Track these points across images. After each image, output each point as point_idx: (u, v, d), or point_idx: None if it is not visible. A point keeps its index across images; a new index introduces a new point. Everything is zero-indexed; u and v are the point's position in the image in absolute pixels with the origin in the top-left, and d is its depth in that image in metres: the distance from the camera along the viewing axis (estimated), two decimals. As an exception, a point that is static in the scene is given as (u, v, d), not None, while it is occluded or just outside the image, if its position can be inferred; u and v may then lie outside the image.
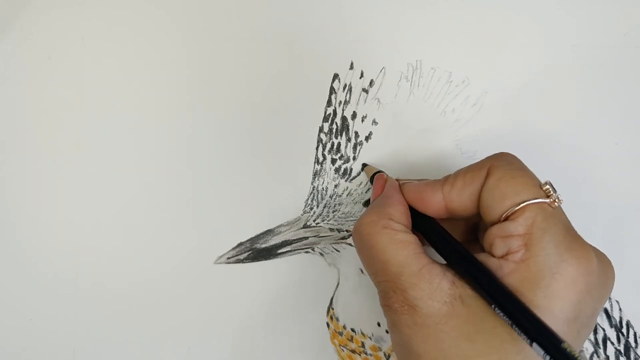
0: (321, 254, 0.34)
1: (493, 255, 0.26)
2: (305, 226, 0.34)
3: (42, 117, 0.34)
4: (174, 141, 0.34)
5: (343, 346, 0.35)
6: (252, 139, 0.34)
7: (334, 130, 0.34)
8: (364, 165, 0.34)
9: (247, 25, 0.34)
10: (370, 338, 0.34)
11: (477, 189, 0.27)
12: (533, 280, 0.24)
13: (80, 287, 0.34)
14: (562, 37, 0.35)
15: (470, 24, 0.34)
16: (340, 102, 0.34)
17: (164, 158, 0.34)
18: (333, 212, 0.34)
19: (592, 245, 0.26)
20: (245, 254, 0.34)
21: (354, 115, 0.34)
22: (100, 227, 0.34)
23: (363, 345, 0.34)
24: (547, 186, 0.26)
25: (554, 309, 0.24)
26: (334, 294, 0.35)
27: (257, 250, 0.34)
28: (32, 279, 0.34)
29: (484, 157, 0.28)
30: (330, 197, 0.34)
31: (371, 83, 0.34)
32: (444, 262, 0.27)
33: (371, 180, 0.32)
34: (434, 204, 0.28)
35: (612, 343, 0.34)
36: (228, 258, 0.34)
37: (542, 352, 0.23)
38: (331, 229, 0.34)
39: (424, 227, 0.28)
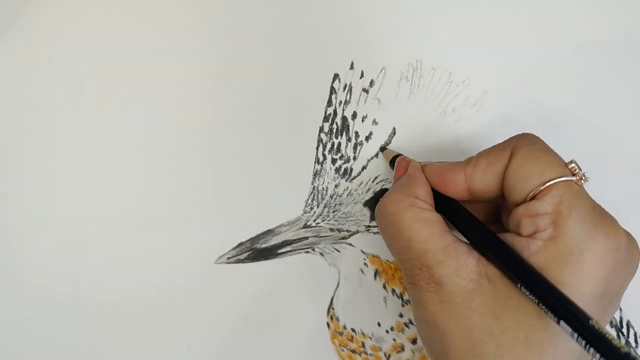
0: (321, 254, 0.34)
1: (519, 235, 0.26)
2: (305, 226, 0.34)
3: (42, 117, 0.34)
4: (174, 141, 0.34)
5: (343, 346, 0.35)
6: (252, 138, 0.34)
7: (334, 130, 0.34)
8: (383, 148, 0.34)
9: (247, 25, 0.34)
10: (371, 338, 0.34)
11: (501, 170, 0.27)
12: (561, 258, 0.25)
13: (80, 287, 0.34)
14: (562, 37, 0.35)
15: (471, 23, 0.34)
16: (341, 102, 0.34)
17: (163, 158, 0.34)
18: (333, 212, 0.34)
19: None
20: (246, 254, 0.34)
21: (354, 115, 0.34)
22: (100, 227, 0.34)
23: (363, 345, 0.34)
24: (573, 164, 0.26)
25: (582, 286, 0.24)
26: (334, 294, 0.35)
27: (257, 250, 0.34)
28: (32, 279, 0.34)
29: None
30: (331, 197, 0.34)
31: (371, 83, 0.34)
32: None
33: (391, 163, 0.32)
34: (456, 186, 0.28)
35: (612, 343, 0.34)
36: (228, 258, 0.34)
37: (569, 329, 0.23)
38: (331, 229, 0.34)
39: (447, 208, 0.28)
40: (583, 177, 0.26)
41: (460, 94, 0.34)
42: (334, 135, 0.34)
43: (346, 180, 0.34)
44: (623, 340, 0.34)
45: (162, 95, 0.34)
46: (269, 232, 0.34)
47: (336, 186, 0.34)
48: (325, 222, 0.34)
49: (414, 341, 0.34)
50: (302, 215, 0.34)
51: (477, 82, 0.34)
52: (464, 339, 0.25)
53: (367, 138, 0.34)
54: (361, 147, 0.34)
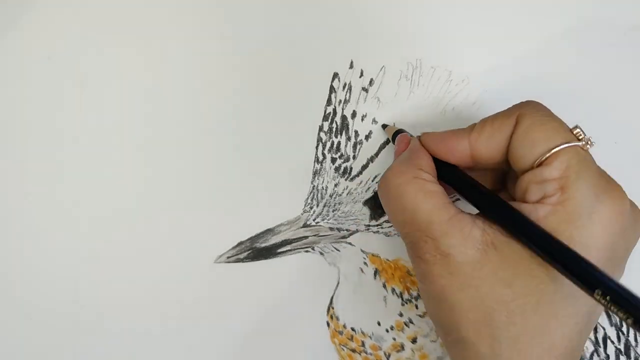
0: (321, 253, 0.34)
1: (526, 202, 0.26)
2: (305, 225, 0.34)
3: (42, 117, 0.34)
4: (174, 140, 0.34)
5: (343, 345, 0.35)
6: (252, 137, 0.34)
7: (334, 129, 0.34)
8: (384, 126, 0.33)
9: (247, 24, 0.34)
10: (371, 337, 0.34)
11: (505, 137, 0.27)
12: (570, 221, 0.25)
13: (80, 287, 0.34)
14: (562, 37, 0.35)
15: (470, 22, 0.34)
16: (340, 101, 0.34)
17: (163, 157, 0.34)
18: (333, 211, 0.34)
19: None
20: (245, 253, 0.34)
21: (353, 114, 0.34)
22: (100, 227, 0.34)
23: (363, 344, 0.34)
24: (578, 129, 0.26)
25: (590, 248, 0.24)
26: (334, 293, 0.35)
27: (257, 250, 0.34)
28: (32, 278, 0.34)
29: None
30: (330, 196, 0.34)
31: (371, 82, 0.34)
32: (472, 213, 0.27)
33: (393, 139, 0.32)
34: (459, 152, 0.28)
35: (613, 342, 0.34)
36: (228, 257, 0.34)
37: (584, 286, 0.23)
38: (331, 228, 0.34)
39: (451, 176, 0.28)
40: (588, 142, 0.26)
41: (460, 93, 0.34)
42: (333, 134, 0.34)
43: (346, 180, 0.34)
44: (623, 340, 0.34)
45: (162, 95, 0.34)
46: (268, 232, 0.34)
47: (336, 185, 0.34)
48: (325, 221, 0.34)
49: (413, 340, 0.34)
50: (302, 214, 0.34)
51: (476, 81, 0.34)
52: (475, 310, 0.25)
53: (367, 137, 0.34)
54: (361, 146, 0.34)
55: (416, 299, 0.34)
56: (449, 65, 0.34)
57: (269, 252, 0.34)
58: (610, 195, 0.25)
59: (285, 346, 0.35)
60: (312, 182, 0.34)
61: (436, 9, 0.34)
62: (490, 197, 0.27)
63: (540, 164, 0.26)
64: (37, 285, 0.34)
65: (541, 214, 0.25)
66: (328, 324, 0.35)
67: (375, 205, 0.34)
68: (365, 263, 0.34)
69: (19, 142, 0.35)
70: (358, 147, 0.34)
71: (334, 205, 0.34)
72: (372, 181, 0.34)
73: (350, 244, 0.34)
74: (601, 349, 0.34)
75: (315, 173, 0.34)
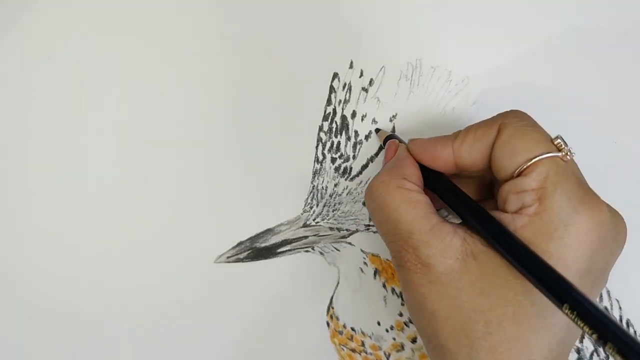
0: (321, 253, 0.34)
1: (506, 212, 0.26)
2: (305, 225, 0.34)
3: (42, 117, 0.34)
4: (174, 140, 0.34)
5: (343, 345, 0.35)
6: (252, 137, 0.34)
7: (334, 129, 0.34)
8: (377, 130, 0.34)
9: (247, 24, 0.34)
10: (370, 337, 0.34)
11: (488, 145, 0.27)
12: (546, 232, 0.25)
13: (80, 287, 0.34)
14: (562, 36, 0.35)
15: (470, 22, 0.34)
16: (340, 101, 0.34)
17: (163, 157, 0.34)
18: (333, 211, 0.34)
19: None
20: (245, 253, 0.34)
21: (353, 114, 0.34)
22: (100, 227, 0.34)
23: (363, 344, 0.34)
24: (559, 140, 0.26)
25: (567, 260, 0.24)
26: (334, 293, 0.35)
27: (257, 250, 0.34)
28: (32, 278, 0.34)
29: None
30: (330, 196, 0.34)
31: (371, 82, 0.34)
32: (456, 222, 0.27)
33: (384, 144, 0.32)
34: (443, 159, 0.28)
35: (612, 342, 0.34)
36: (228, 257, 0.34)
37: (557, 302, 0.23)
38: (331, 228, 0.34)
39: (436, 183, 0.28)
40: (569, 153, 0.26)
41: (459, 93, 0.34)
42: (333, 134, 0.34)
43: (346, 179, 0.34)
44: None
45: (162, 96, 0.34)
46: (268, 231, 0.34)
47: (336, 185, 0.34)
48: (325, 221, 0.34)
49: (413, 340, 0.34)
50: (302, 214, 0.34)
51: (476, 81, 0.34)
52: (453, 319, 0.25)
53: (367, 137, 0.34)
54: (360, 146, 0.34)
55: (416, 298, 0.34)
56: (449, 65, 0.34)
57: (269, 252, 0.34)
58: (588, 207, 0.25)
59: (285, 346, 0.35)
60: (312, 182, 0.34)
61: (436, 9, 0.34)
62: (470, 206, 0.27)
63: (519, 174, 0.26)
64: (37, 285, 0.34)
65: (519, 225, 0.25)
66: (328, 324, 0.35)
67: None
68: (365, 263, 0.34)
69: (19, 142, 0.35)
70: (358, 147, 0.34)
71: (334, 205, 0.34)
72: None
73: (350, 244, 0.34)
74: (601, 349, 0.34)
75: (315, 173, 0.34)
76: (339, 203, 0.34)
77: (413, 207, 0.27)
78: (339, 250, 0.34)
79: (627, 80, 0.35)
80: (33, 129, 0.34)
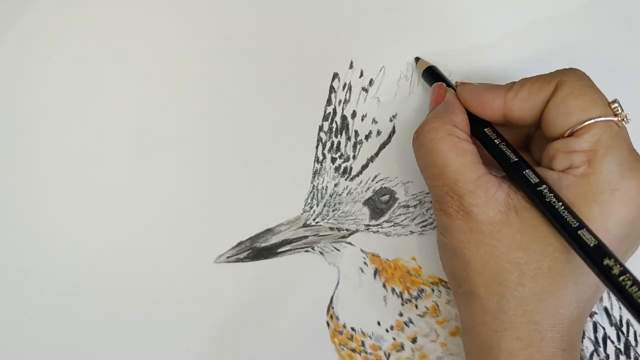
0: (321, 253, 0.34)
1: (552, 169, 0.26)
2: (305, 225, 0.34)
3: (41, 117, 0.34)
4: (174, 140, 0.34)
5: (343, 345, 0.35)
6: (252, 137, 0.34)
7: (334, 129, 0.34)
8: (417, 59, 0.33)
9: (247, 24, 0.34)
10: (370, 337, 0.34)
11: (542, 101, 0.27)
12: (591, 195, 0.25)
13: (80, 287, 0.34)
14: (562, 36, 0.35)
15: (470, 22, 0.34)
16: (340, 101, 0.34)
17: (163, 157, 0.34)
18: (333, 211, 0.34)
19: None
20: (245, 253, 0.34)
21: (353, 114, 0.34)
22: (100, 227, 0.34)
23: (363, 344, 0.34)
24: (616, 104, 0.26)
25: (608, 224, 0.25)
26: (334, 293, 0.35)
27: (257, 249, 0.34)
28: (31, 278, 0.34)
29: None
30: (330, 196, 0.34)
31: (371, 82, 0.34)
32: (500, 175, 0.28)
33: (423, 74, 0.32)
34: (492, 109, 0.28)
35: (612, 342, 0.34)
36: (228, 257, 0.34)
37: (590, 263, 0.23)
38: (331, 228, 0.34)
39: (482, 133, 0.29)
40: (625, 119, 0.26)
41: (459, 93, 0.34)
42: (333, 134, 0.34)
43: (346, 179, 0.34)
44: (623, 340, 0.34)
45: (162, 95, 0.34)
46: (268, 231, 0.34)
47: (336, 185, 0.34)
48: (325, 221, 0.34)
49: (413, 340, 0.34)
50: (302, 214, 0.34)
51: (476, 81, 0.34)
52: (488, 267, 0.26)
53: (367, 137, 0.34)
54: (361, 146, 0.34)
55: (416, 298, 0.34)
56: (449, 65, 0.34)
57: (269, 252, 0.34)
58: (637, 174, 0.25)
59: (285, 346, 0.35)
60: (312, 182, 0.34)
61: (436, 9, 0.34)
62: (517, 161, 0.27)
63: (571, 134, 0.26)
64: (36, 285, 0.34)
65: (564, 184, 0.25)
66: (328, 324, 0.35)
67: (375, 205, 0.34)
68: (365, 263, 0.34)
69: (19, 142, 0.35)
70: (358, 147, 0.34)
71: (334, 205, 0.34)
72: (372, 181, 0.34)
73: (350, 243, 0.34)
74: (601, 349, 0.34)
75: (315, 173, 0.34)
76: (339, 203, 0.34)
77: (462, 155, 0.27)
78: (339, 250, 0.34)
79: (627, 81, 0.35)
80: (33, 129, 0.34)
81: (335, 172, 0.34)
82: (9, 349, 0.35)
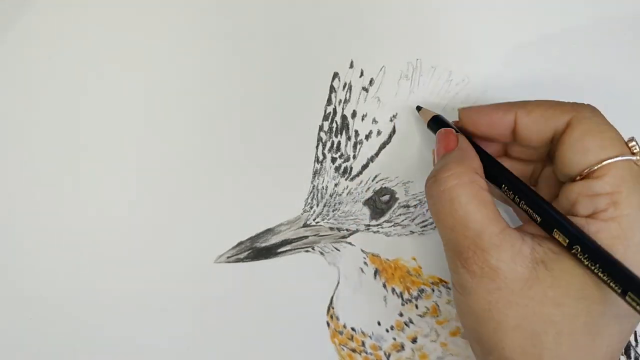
0: (321, 253, 0.34)
1: (575, 215, 0.25)
2: (305, 225, 0.34)
3: (42, 117, 0.34)
4: (174, 140, 0.34)
5: (343, 345, 0.35)
6: (252, 137, 0.34)
7: (334, 129, 0.34)
8: (419, 108, 0.33)
9: (247, 24, 0.34)
10: (371, 337, 0.34)
11: (552, 129, 0.26)
12: (624, 238, 0.24)
13: (80, 286, 0.34)
14: (562, 36, 0.35)
15: (470, 22, 0.34)
16: (340, 100, 0.34)
17: (163, 157, 0.34)
18: (333, 211, 0.34)
19: None
20: (245, 253, 0.34)
21: (354, 114, 0.34)
22: (99, 227, 0.34)
23: (363, 344, 0.34)
24: (633, 142, 0.25)
25: None
26: (334, 293, 0.35)
27: (257, 249, 0.34)
28: (31, 278, 0.34)
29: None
30: (330, 195, 0.34)
31: (371, 82, 0.34)
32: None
33: (429, 125, 0.31)
34: (503, 126, 0.27)
35: (613, 342, 0.34)
36: (228, 257, 0.34)
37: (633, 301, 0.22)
38: (331, 228, 0.34)
39: (500, 177, 0.27)
40: None
41: (460, 93, 0.34)
42: (333, 134, 0.34)
43: (346, 179, 0.34)
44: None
45: (162, 95, 0.34)
46: (268, 231, 0.34)
47: (336, 185, 0.34)
48: (325, 221, 0.34)
49: (413, 340, 0.34)
50: (302, 214, 0.34)
51: (476, 81, 0.34)
52: (521, 329, 0.24)
53: (367, 137, 0.34)
54: (361, 146, 0.34)
55: (416, 298, 0.34)
56: (449, 65, 0.34)
57: (269, 252, 0.34)
58: None
59: (285, 346, 0.35)
60: (312, 182, 0.34)
61: (436, 9, 0.34)
62: (546, 207, 0.25)
63: (589, 174, 0.25)
64: (36, 285, 0.34)
65: (593, 229, 0.24)
66: (328, 324, 0.35)
67: (375, 206, 0.34)
68: (365, 263, 0.34)
69: (19, 142, 0.35)
70: (358, 146, 0.34)
71: (334, 205, 0.34)
72: (373, 181, 0.34)
73: (350, 243, 0.34)
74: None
75: (315, 173, 0.34)
76: (339, 203, 0.34)
77: (484, 206, 0.25)
78: (339, 250, 0.34)
79: (627, 81, 0.35)
80: (33, 129, 0.34)
81: (335, 172, 0.34)
82: (9, 349, 0.35)
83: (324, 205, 0.34)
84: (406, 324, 0.34)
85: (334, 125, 0.34)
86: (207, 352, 0.35)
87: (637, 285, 0.23)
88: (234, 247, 0.34)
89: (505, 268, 0.24)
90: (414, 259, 0.34)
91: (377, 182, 0.34)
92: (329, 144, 0.34)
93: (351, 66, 0.34)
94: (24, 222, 0.34)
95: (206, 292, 0.35)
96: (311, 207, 0.34)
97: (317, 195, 0.34)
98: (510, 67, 0.34)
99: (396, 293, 0.34)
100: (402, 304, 0.34)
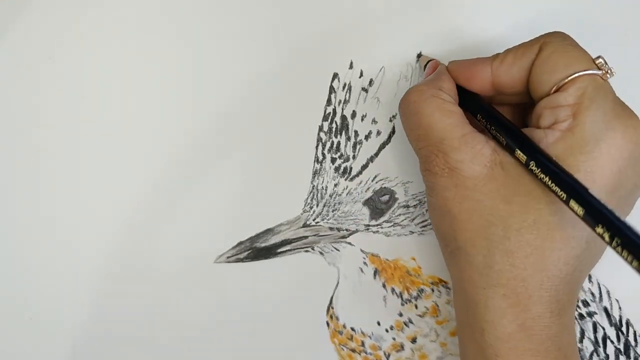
0: (321, 253, 0.34)
1: (539, 127, 0.26)
2: (305, 225, 0.34)
3: (42, 118, 0.34)
4: (174, 140, 0.34)
5: (343, 345, 0.35)
6: (252, 137, 0.34)
7: (334, 129, 0.34)
8: (419, 55, 0.34)
9: (247, 24, 0.34)
10: (370, 337, 0.34)
11: (528, 63, 0.27)
12: (577, 147, 0.25)
13: (80, 286, 0.34)
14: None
15: (470, 22, 0.34)
16: (340, 101, 0.34)
17: (163, 157, 0.34)
18: (333, 211, 0.34)
19: None
20: (245, 253, 0.34)
21: (353, 115, 0.34)
22: (99, 227, 0.34)
23: (363, 344, 0.34)
24: (600, 59, 0.26)
25: (594, 174, 0.25)
26: (333, 293, 0.35)
27: (257, 249, 0.34)
28: (31, 278, 0.34)
29: None
30: (330, 196, 0.34)
31: (371, 82, 0.34)
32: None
33: (424, 68, 0.33)
34: (481, 80, 0.28)
35: (612, 342, 0.34)
36: (228, 257, 0.34)
37: (580, 210, 0.23)
38: (331, 228, 0.34)
39: (470, 102, 0.29)
40: (609, 72, 0.26)
41: (459, 93, 0.34)
42: (333, 134, 0.34)
43: (346, 179, 0.34)
44: (623, 340, 0.34)
45: (162, 95, 0.34)
46: (268, 231, 0.34)
47: (335, 185, 0.34)
48: (325, 221, 0.34)
49: (413, 340, 0.34)
50: (302, 214, 0.34)
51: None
52: (473, 222, 0.26)
53: (367, 137, 0.34)
54: (360, 146, 0.34)
55: (416, 299, 0.34)
56: (449, 66, 0.34)
57: (269, 252, 0.34)
58: (622, 123, 0.25)
59: (285, 346, 0.35)
60: (312, 182, 0.34)
61: (436, 9, 0.34)
62: (502, 122, 0.27)
63: (557, 90, 0.26)
64: (36, 285, 0.34)
65: (550, 140, 0.25)
66: (328, 324, 0.35)
67: (375, 206, 0.34)
68: (365, 263, 0.34)
69: (19, 142, 0.35)
70: (358, 147, 0.34)
71: (334, 205, 0.34)
72: (372, 181, 0.34)
73: (350, 243, 0.34)
74: (601, 349, 0.34)
75: (315, 173, 0.34)
76: (339, 203, 0.34)
77: (447, 115, 0.27)
78: (338, 250, 0.34)
79: (627, 81, 0.35)
80: (34, 129, 0.34)
81: (335, 172, 0.34)
82: (9, 349, 0.35)
83: (324, 206, 0.34)
84: (406, 324, 0.34)
85: (334, 125, 0.34)
86: (207, 352, 0.35)
87: (578, 194, 0.23)
88: (234, 247, 0.34)
89: (463, 167, 0.26)
90: (414, 259, 0.34)
91: (376, 182, 0.34)
92: (328, 144, 0.34)
93: (351, 67, 0.34)
94: (23, 222, 0.34)
95: (206, 292, 0.35)
96: (311, 207, 0.34)
97: (316, 195, 0.34)
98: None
99: (396, 293, 0.34)
100: (402, 304, 0.34)
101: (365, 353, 0.34)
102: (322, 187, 0.34)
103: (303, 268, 0.34)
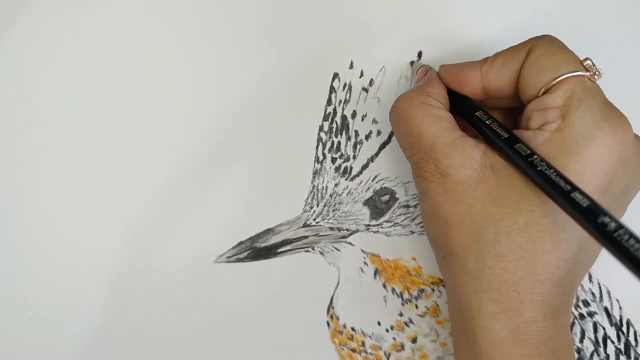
0: (321, 253, 0.34)
1: (527, 129, 0.26)
2: (305, 225, 0.34)
3: (42, 118, 0.34)
4: (174, 140, 0.34)
5: (343, 345, 0.35)
6: (252, 137, 0.34)
7: (334, 129, 0.34)
8: (412, 62, 0.34)
9: (248, 24, 0.34)
10: (371, 337, 0.34)
11: (517, 67, 0.27)
12: (566, 147, 0.25)
13: (80, 286, 0.34)
14: (562, 36, 0.35)
15: (470, 22, 0.34)
16: (340, 101, 0.34)
17: (163, 157, 0.34)
18: (333, 211, 0.34)
19: None
20: (246, 253, 0.34)
21: (354, 114, 0.34)
22: (99, 226, 0.34)
23: (363, 344, 0.34)
24: (588, 61, 0.26)
25: (585, 175, 0.25)
26: (334, 293, 0.35)
27: (257, 249, 0.34)
28: (31, 278, 0.34)
29: None
30: (330, 196, 0.34)
31: (371, 82, 0.34)
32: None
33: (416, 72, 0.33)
34: (470, 82, 0.29)
35: (613, 342, 0.34)
36: (228, 257, 0.34)
37: (573, 211, 0.23)
38: (331, 228, 0.34)
39: (462, 106, 0.29)
40: (597, 73, 0.26)
41: (459, 93, 0.34)
42: (333, 134, 0.34)
43: (346, 179, 0.34)
44: (623, 340, 0.34)
45: (163, 95, 0.34)
46: (268, 231, 0.34)
47: (336, 185, 0.34)
48: (325, 221, 0.34)
49: (413, 340, 0.34)
50: (302, 214, 0.34)
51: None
52: (465, 226, 0.26)
53: (367, 137, 0.34)
54: (361, 146, 0.34)
55: (416, 298, 0.34)
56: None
57: (269, 252, 0.34)
58: (611, 124, 0.25)
59: (285, 346, 0.35)
60: (312, 182, 0.34)
61: (436, 9, 0.34)
62: (491, 124, 0.27)
63: (545, 92, 0.26)
64: (36, 285, 0.34)
65: (540, 141, 0.25)
66: (328, 324, 0.35)
67: (375, 205, 0.34)
68: (365, 263, 0.34)
69: (19, 142, 0.35)
70: (358, 147, 0.34)
71: (334, 205, 0.34)
72: (372, 181, 0.34)
73: (350, 243, 0.34)
74: (601, 349, 0.34)
75: (315, 173, 0.34)
76: (339, 203, 0.34)
77: (436, 121, 0.27)
78: (339, 250, 0.34)
79: (627, 81, 0.35)
80: (34, 129, 0.34)
81: (335, 172, 0.34)
82: (9, 349, 0.35)
83: (324, 205, 0.34)
84: (406, 324, 0.34)
85: (334, 125, 0.34)
86: (207, 351, 0.35)
87: (564, 192, 0.23)
88: (234, 247, 0.34)
89: (454, 172, 0.26)
90: (414, 259, 0.34)
91: (377, 182, 0.34)
92: (329, 144, 0.34)
93: (351, 66, 0.34)
94: (23, 222, 0.34)
95: (206, 292, 0.35)
96: (311, 207, 0.34)
97: (317, 195, 0.34)
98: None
99: (396, 293, 0.34)
100: (402, 304, 0.34)
101: (366, 353, 0.34)
102: (323, 187, 0.34)
103: (303, 268, 0.34)
